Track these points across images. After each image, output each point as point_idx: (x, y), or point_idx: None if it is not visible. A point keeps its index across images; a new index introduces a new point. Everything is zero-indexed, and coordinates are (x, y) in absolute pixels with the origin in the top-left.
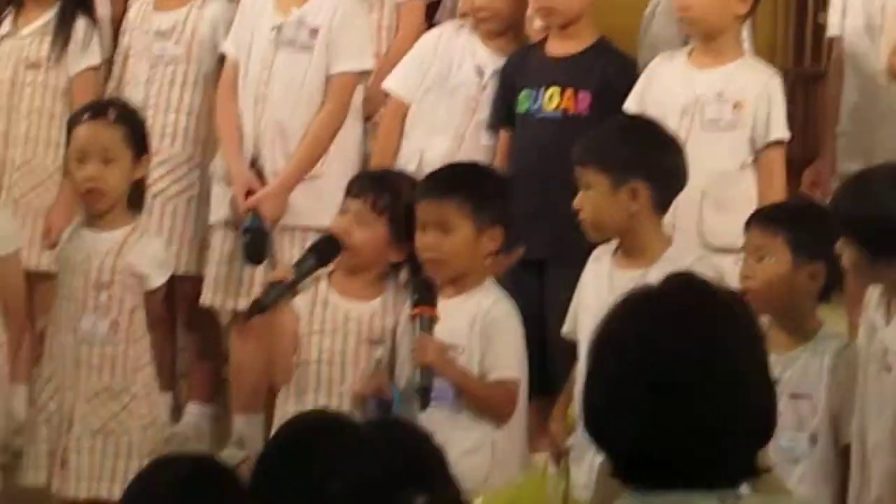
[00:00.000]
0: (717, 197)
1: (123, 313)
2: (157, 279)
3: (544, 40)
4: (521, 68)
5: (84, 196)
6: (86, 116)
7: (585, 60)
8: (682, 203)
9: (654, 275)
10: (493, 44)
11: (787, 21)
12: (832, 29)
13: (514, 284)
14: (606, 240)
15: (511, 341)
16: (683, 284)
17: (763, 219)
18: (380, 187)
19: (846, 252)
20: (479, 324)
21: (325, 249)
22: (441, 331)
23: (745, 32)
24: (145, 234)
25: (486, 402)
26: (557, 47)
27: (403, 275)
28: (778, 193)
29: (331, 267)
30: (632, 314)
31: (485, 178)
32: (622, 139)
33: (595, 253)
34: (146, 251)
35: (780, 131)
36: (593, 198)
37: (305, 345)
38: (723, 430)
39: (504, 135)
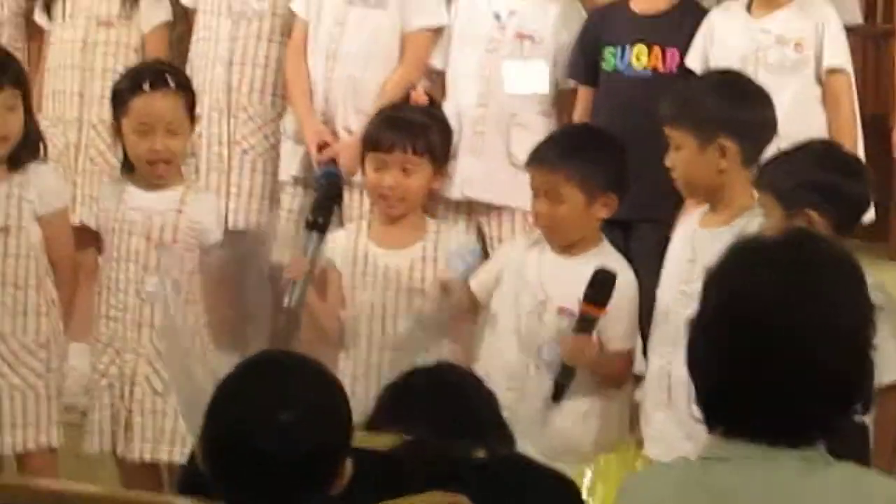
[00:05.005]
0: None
1: (183, 273)
2: (218, 233)
3: None
4: (605, 25)
5: (151, 165)
6: (146, 87)
7: (673, 18)
8: None
9: (735, 231)
10: None
11: None
12: None
13: None
14: (700, 198)
15: (628, 311)
16: (797, 235)
17: None
18: (410, 131)
19: None
20: None
21: (322, 216)
22: (553, 288)
23: None
24: (199, 190)
25: (608, 375)
26: (643, 4)
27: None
28: (846, 119)
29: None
30: (735, 259)
31: (597, 145)
32: (707, 96)
33: (686, 212)
34: (205, 207)
35: (837, 59)
36: (683, 157)
37: (349, 300)
38: (797, 384)
39: (584, 91)
